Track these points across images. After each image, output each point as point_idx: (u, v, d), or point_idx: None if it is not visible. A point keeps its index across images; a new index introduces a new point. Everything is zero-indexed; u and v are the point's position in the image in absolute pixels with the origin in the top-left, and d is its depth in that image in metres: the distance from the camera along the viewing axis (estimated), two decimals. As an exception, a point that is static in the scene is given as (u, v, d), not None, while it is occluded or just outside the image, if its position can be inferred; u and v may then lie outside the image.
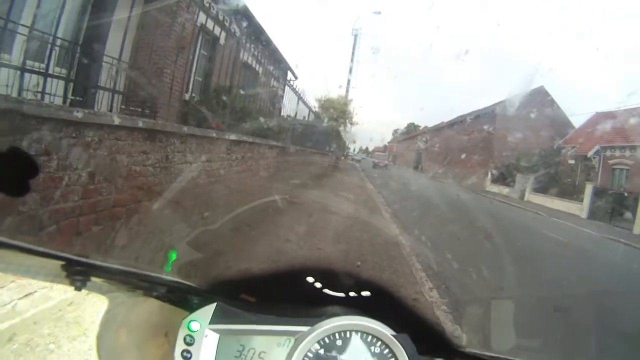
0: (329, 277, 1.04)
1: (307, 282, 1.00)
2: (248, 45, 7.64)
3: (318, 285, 1.00)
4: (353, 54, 15.41)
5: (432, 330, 1.02)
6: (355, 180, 13.31)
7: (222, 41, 7.42)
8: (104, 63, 4.01)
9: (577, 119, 19.35)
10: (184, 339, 0.88)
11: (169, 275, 1.01)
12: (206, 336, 0.87)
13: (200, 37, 7.13)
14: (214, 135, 4.46)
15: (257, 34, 8.51)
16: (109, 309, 0.94)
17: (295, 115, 9.55)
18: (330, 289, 1.00)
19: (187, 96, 6.59)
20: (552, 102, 18.24)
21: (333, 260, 4.14)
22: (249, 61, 8.27)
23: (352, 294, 0.99)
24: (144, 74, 4.67)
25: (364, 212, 7.43)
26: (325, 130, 13.31)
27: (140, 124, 2.96)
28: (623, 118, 15.69)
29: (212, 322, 0.89)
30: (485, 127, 20.05)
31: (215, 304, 0.91)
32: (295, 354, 0.85)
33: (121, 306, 0.96)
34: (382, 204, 8.86)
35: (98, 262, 0.86)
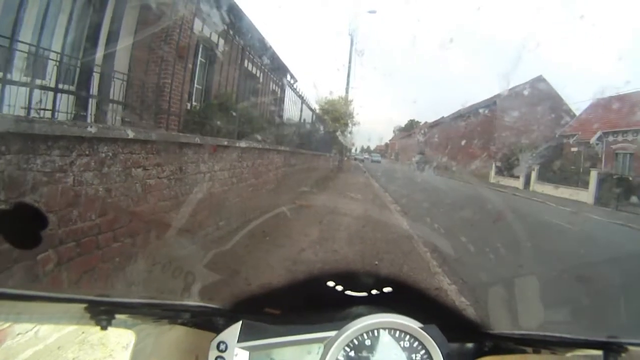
0: (349, 278, 1.04)
1: (328, 286, 1.00)
2: (246, 51, 7.59)
3: (339, 288, 1.00)
4: (350, 54, 15.36)
5: (459, 317, 1.03)
6: (361, 180, 13.24)
7: (220, 48, 7.39)
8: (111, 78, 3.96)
9: (578, 106, 19.26)
10: None
11: (190, 301, 1.02)
12: (236, 355, 0.87)
13: (199, 46, 7.09)
14: (225, 143, 4.41)
15: (254, 39, 8.46)
16: (137, 342, 0.94)
17: (301, 119, 9.48)
18: (351, 290, 1.00)
19: (189, 105, 6.55)
20: (552, 90, 18.13)
21: (350, 261, 4.10)
22: (248, 67, 8.22)
23: (374, 292, 1.00)
24: (146, 85, 4.62)
25: (374, 210, 7.36)
26: (327, 132, 13.21)
27: (154, 137, 2.89)
28: (623, 103, 15.62)
29: (240, 340, 0.88)
30: (486, 119, 19.97)
31: (240, 322, 0.91)
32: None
33: (148, 337, 0.96)
34: (391, 202, 8.78)
35: (120, 299, 0.89)
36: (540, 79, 18.22)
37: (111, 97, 4.02)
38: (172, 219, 3.13)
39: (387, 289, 1.00)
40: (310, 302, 1.01)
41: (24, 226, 1.01)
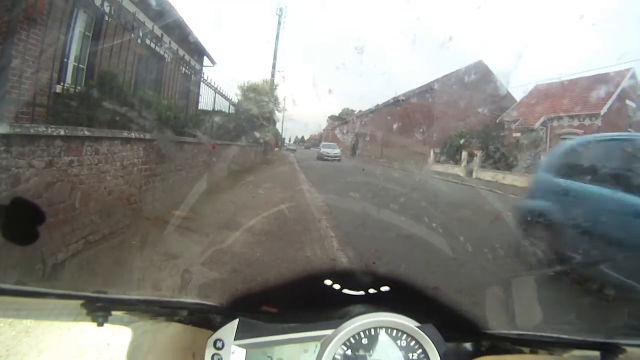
0: (347, 277, 1.10)
1: (326, 285, 1.04)
2: (147, 22, 6.41)
3: (337, 287, 1.05)
4: (278, 35, 14.37)
5: (456, 317, 1.06)
6: (285, 173, 12.16)
7: (108, 19, 6.11)
8: None
9: (519, 91, 19.76)
10: (212, 359, 0.91)
11: (188, 298, 1.06)
12: (233, 353, 0.90)
13: (76, 10, 5.78)
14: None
15: (160, 7, 7.27)
16: (134, 339, 0.93)
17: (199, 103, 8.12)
18: (349, 289, 1.04)
19: (59, 88, 5.33)
20: (492, 76, 18.50)
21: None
22: (150, 43, 6.99)
23: (372, 291, 1.04)
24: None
25: (292, 222, 5.71)
26: (250, 119, 11.97)
27: None
28: (569, 88, 16.68)
29: (237, 338, 0.91)
30: (425, 105, 20.01)
31: (237, 320, 0.94)
32: (323, 358, 0.89)
33: (145, 335, 0.96)
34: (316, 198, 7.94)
35: (117, 296, 0.91)
36: (480, 65, 18.47)
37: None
38: None
39: (384, 288, 1.05)
40: (307, 301, 1.04)
41: (21, 222, 1.00)
